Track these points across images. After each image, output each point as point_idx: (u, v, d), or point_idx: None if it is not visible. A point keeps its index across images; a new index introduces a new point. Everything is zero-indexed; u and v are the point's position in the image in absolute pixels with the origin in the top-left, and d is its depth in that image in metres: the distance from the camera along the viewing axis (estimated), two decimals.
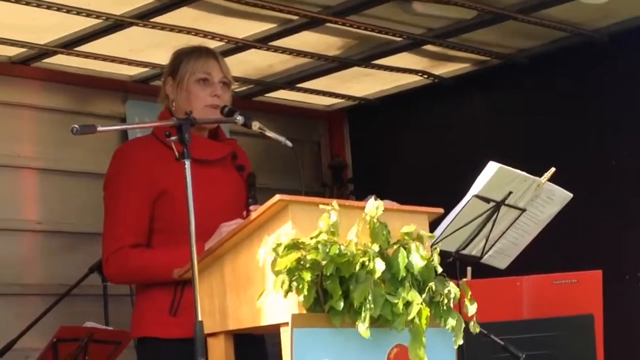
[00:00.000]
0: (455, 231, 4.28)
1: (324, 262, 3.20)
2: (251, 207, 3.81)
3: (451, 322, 3.42)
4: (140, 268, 3.75)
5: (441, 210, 3.71)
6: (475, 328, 3.49)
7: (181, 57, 3.96)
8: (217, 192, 3.80)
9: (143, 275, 3.77)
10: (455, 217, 4.26)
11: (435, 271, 3.42)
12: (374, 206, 3.34)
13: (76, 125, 3.32)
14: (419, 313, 3.32)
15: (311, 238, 3.22)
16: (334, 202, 3.27)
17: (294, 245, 3.20)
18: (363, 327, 3.22)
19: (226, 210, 3.78)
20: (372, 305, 3.24)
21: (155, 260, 3.74)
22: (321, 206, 3.26)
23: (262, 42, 6.23)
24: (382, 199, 3.44)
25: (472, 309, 3.46)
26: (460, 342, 3.44)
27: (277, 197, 3.27)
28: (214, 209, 3.73)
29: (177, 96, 3.92)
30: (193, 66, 3.91)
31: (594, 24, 6.42)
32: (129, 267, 3.75)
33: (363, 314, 3.23)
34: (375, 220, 3.32)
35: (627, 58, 6.44)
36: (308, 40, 6.32)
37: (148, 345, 3.82)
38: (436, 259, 3.41)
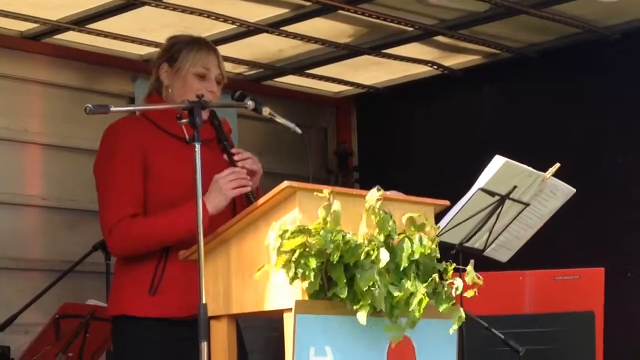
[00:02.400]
0: (459, 223, 4.30)
1: (329, 250, 3.21)
2: (233, 150, 3.81)
3: (450, 309, 3.43)
4: (144, 235, 3.72)
5: (447, 203, 3.72)
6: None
7: (180, 46, 3.95)
8: (203, 171, 3.75)
9: (147, 240, 3.73)
10: (460, 209, 4.28)
11: (438, 260, 3.44)
12: (374, 196, 3.34)
13: (89, 105, 3.34)
14: (420, 303, 3.33)
15: (317, 224, 3.24)
16: (326, 190, 3.27)
17: (300, 231, 3.21)
18: (363, 316, 3.23)
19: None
20: (376, 294, 3.26)
21: (158, 223, 3.72)
22: (318, 194, 3.26)
23: (274, 26, 6.23)
24: (387, 188, 3.46)
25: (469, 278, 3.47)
26: (455, 327, 3.44)
27: (286, 183, 3.28)
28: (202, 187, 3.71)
29: (172, 83, 3.93)
30: (194, 58, 3.91)
31: (606, 21, 6.42)
32: (133, 236, 3.72)
33: (364, 302, 3.24)
34: (381, 211, 3.33)
35: (639, 55, 6.45)
36: (319, 27, 6.33)
37: (124, 324, 3.81)
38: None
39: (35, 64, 6.30)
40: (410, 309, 3.31)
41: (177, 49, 3.95)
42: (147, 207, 3.81)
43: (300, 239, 3.20)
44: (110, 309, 3.89)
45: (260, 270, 3.27)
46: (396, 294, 3.30)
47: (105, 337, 5.28)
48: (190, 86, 3.89)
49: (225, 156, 3.82)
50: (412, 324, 3.34)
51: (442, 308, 3.41)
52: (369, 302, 3.24)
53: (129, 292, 3.80)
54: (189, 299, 3.46)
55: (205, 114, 3.65)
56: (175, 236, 3.68)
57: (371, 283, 3.25)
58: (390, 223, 3.35)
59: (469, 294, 3.46)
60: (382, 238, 3.31)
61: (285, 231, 3.21)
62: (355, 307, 3.25)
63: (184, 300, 3.64)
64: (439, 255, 3.45)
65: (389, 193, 3.47)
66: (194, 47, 3.94)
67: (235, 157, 3.80)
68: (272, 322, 3.52)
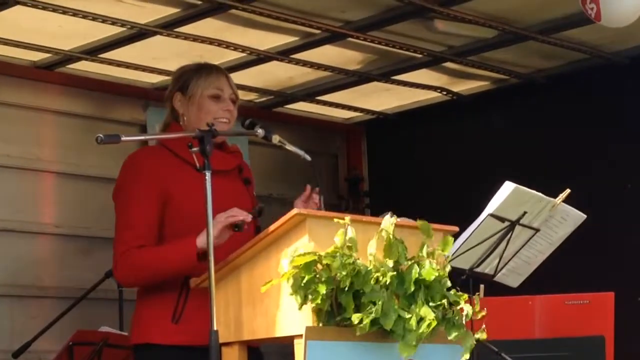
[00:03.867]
0: (469, 249, 4.32)
1: (339, 275, 3.24)
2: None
3: (461, 336, 3.45)
4: (143, 266, 3.72)
5: (456, 229, 3.74)
6: (482, 335, 3.52)
7: (190, 73, 4.02)
8: (224, 202, 3.73)
9: (146, 271, 3.73)
10: (470, 235, 4.30)
11: (448, 288, 3.47)
12: (389, 222, 3.38)
13: (101, 135, 3.38)
14: (429, 327, 3.35)
15: (333, 250, 3.27)
16: (347, 217, 3.31)
17: (311, 252, 3.25)
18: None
19: None
20: (382, 318, 3.28)
21: (160, 253, 3.73)
22: (336, 220, 3.30)
23: (284, 54, 6.28)
24: (398, 213, 3.48)
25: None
26: (467, 356, 3.47)
27: (295, 210, 3.32)
28: None
29: (188, 111, 3.97)
30: (205, 82, 3.97)
31: (614, 46, 6.45)
32: (134, 266, 3.73)
33: (367, 321, 3.27)
34: (391, 236, 3.36)
35: None
36: (329, 54, 6.37)
37: (148, 352, 3.81)
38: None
39: (48, 93, 6.34)
40: (419, 332, 3.33)
41: (187, 77, 4.01)
42: (165, 237, 3.80)
43: (311, 257, 3.23)
44: (133, 337, 3.87)
45: (267, 285, 3.29)
46: (407, 316, 3.32)
47: None
48: (206, 109, 3.93)
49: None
50: (417, 344, 3.36)
51: (452, 336, 3.42)
52: (378, 322, 3.27)
53: (153, 321, 3.80)
54: None
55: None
56: (170, 269, 3.66)
57: (381, 303, 3.27)
58: (400, 249, 3.37)
59: (479, 315, 3.49)
60: (391, 264, 3.34)
61: (298, 253, 3.25)
62: (361, 325, 3.27)
63: (208, 328, 3.63)
64: (449, 284, 3.47)
65: (398, 220, 3.50)
66: (204, 72, 4.00)
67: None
68: (285, 347, 3.54)
